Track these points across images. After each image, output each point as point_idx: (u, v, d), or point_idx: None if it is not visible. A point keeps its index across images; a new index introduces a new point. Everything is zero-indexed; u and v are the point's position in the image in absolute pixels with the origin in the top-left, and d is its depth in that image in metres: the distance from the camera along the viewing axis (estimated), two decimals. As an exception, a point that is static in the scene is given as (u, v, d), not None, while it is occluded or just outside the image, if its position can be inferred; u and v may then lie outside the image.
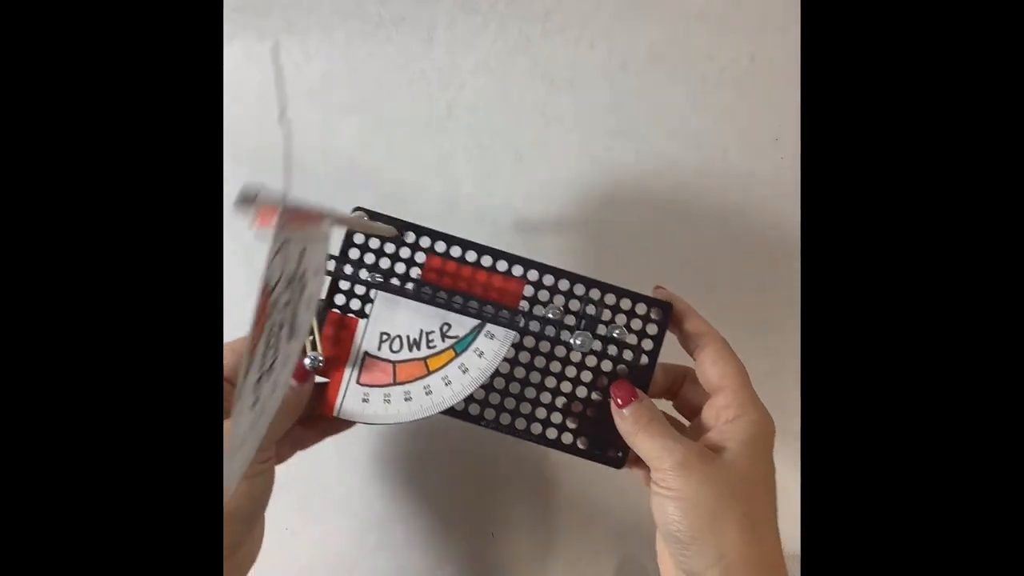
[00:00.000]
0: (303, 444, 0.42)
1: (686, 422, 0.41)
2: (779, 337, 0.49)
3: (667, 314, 0.39)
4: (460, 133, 0.46)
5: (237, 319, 0.47)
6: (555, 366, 0.40)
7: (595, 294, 0.39)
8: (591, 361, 0.40)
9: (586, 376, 0.40)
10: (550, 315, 0.38)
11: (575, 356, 0.40)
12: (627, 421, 0.36)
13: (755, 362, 0.50)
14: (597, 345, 0.39)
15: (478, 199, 0.47)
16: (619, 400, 0.37)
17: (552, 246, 0.48)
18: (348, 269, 0.40)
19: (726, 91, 0.44)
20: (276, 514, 0.52)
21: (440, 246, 0.39)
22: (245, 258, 0.51)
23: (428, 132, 0.46)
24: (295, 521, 0.52)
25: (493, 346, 0.39)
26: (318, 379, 0.39)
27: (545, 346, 0.40)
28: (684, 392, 0.41)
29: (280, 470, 0.53)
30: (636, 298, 0.39)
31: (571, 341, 0.38)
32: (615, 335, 0.39)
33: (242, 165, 0.48)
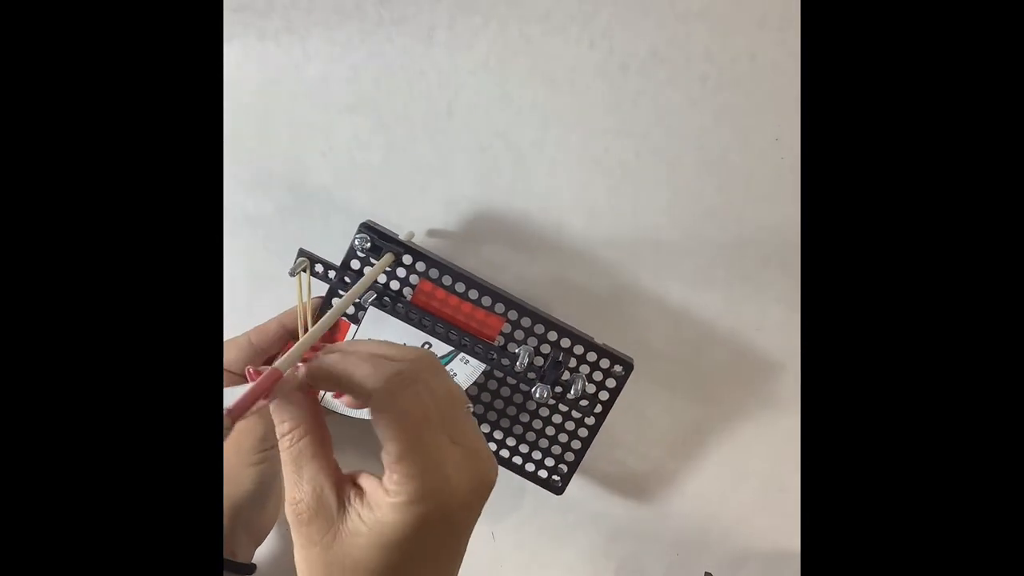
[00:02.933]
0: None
1: None
2: (779, 337, 0.49)
3: (628, 371, 0.43)
4: (460, 133, 0.46)
5: (237, 320, 0.47)
6: (517, 398, 0.45)
7: (565, 343, 0.43)
8: (549, 402, 0.45)
9: (543, 412, 0.45)
10: (517, 365, 0.42)
11: (536, 403, 0.45)
12: (277, 423, 0.29)
13: (755, 362, 0.51)
14: (552, 399, 0.44)
15: (478, 199, 0.47)
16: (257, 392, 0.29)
17: (552, 246, 0.48)
18: (348, 278, 0.42)
19: (726, 91, 0.44)
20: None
21: (433, 272, 0.42)
22: (246, 257, 0.51)
23: (428, 132, 0.46)
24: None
25: (466, 371, 0.43)
26: None
27: (511, 382, 0.45)
28: None
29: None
30: (602, 352, 0.43)
31: (532, 392, 0.43)
32: (575, 388, 0.43)
33: (242, 165, 0.48)
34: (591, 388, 0.44)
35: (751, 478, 0.53)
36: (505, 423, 0.46)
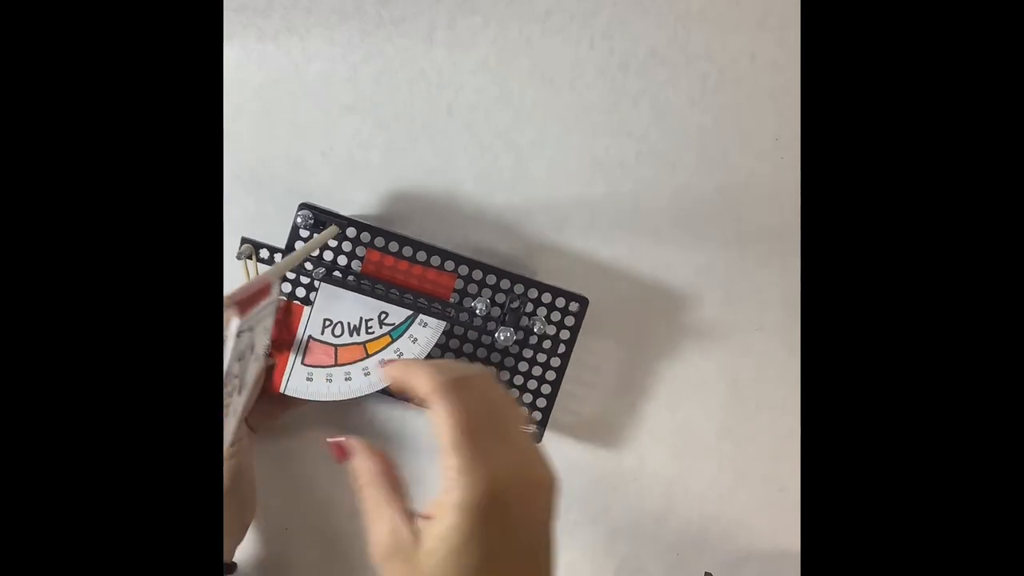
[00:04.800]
0: (270, 417, 0.47)
1: None
2: (779, 337, 0.49)
3: (583, 307, 0.44)
4: (460, 133, 0.46)
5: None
6: (481, 352, 0.46)
7: (519, 288, 0.44)
8: (513, 350, 0.45)
9: (508, 363, 0.46)
10: (477, 310, 0.43)
11: (499, 348, 0.45)
12: (353, 479, 0.32)
13: (755, 362, 0.51)
14: (519, 336, 0.44)
15: (478, 199, 0.47)
16: (336, 456, 0.33)
17: (552, 246, 0.48)
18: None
19: (726, 91, 0.44)
20: (276, 514, 0.53)
21: (379, 241, 0.43)
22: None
23: (428, 132, 0.46)
24: (295, 521, 0.52)
25: (426, 334, 0.43)
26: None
27: (473, 335, 0.45)
28: None
29: (279, 471, 0.53)
30: (555, 292, 0.44)
31: (496, 336, 0.43)
32: (535, 329, 0.44)
33: (242, 165, 0.48)
34: (551, 329, 0.45)
35: (751, 478, 0.53)
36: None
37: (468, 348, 0.46)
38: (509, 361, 0.46)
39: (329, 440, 0.33)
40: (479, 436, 0.29)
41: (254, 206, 0.48)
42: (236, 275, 0.45)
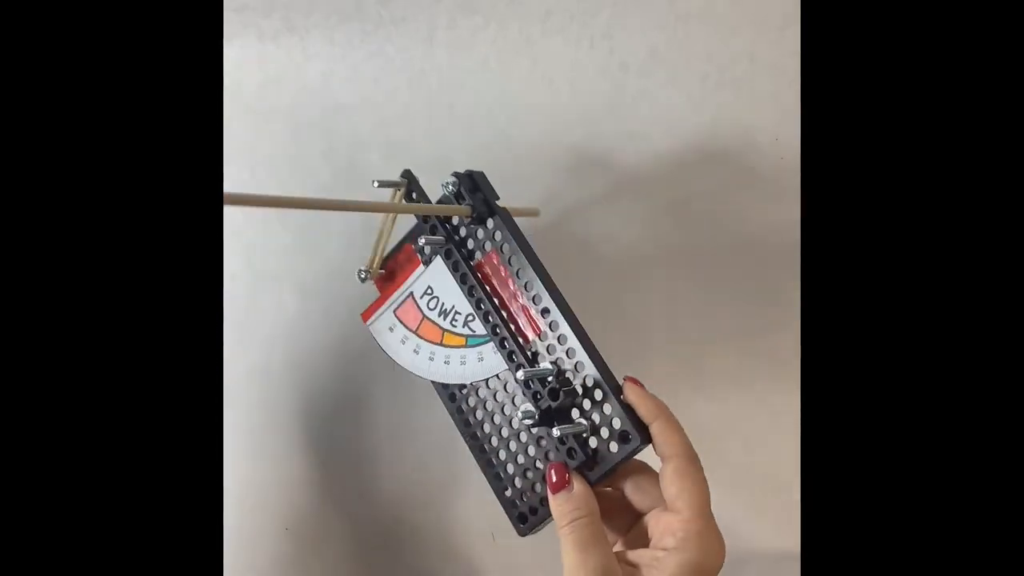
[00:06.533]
0: None
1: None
2: (779, 338, 0.49)
3: (633, 447, 0.35)
4: (460, 133, 0.46)
5: (236, 319, 0.47)
6: (508, 408, 0.40)
7: (589, 380, 0.37)
8: (523, 422, 0.38)
9: (522, 436, 0.39)
10: (537, 371, 0.37)
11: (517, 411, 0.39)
12: (555, 508, 0.34)
13: (755, 363, 0.51)
14: (556, 432, 0.36)
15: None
16: (551, 480, 0.35)
17: (552, 246, 0.48)
18: (432, 220, 0.41)
19: (726, 91, 0.44)
20: (276, 514, 0.53)
21: (507, 248, 0.39)
22: (245, 258, 0.51)
23: (428, 132, 0.46)
24: (295, 521, 0.52)
25: (493, 361, 0.40)
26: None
27: (510, 386, 0.40)
28: (629, 486, 0.37)
29: (279, 470, 0.53)
30: (623, 410, 0.36)
31: (518, 408, 0.38)
32: (583, 434, 0.36)
33: (242, 165, 0.48)
34: (593, 442, 0.37)
35: (751, 478, 0.53)
36: (490, 427, 0.41)
37: (520, 400, 0.39)
38: (523, 435, 0.39)
39: (551, 464, 0.35)
40: (709, 510, 0.33)
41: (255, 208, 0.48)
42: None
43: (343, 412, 0.50)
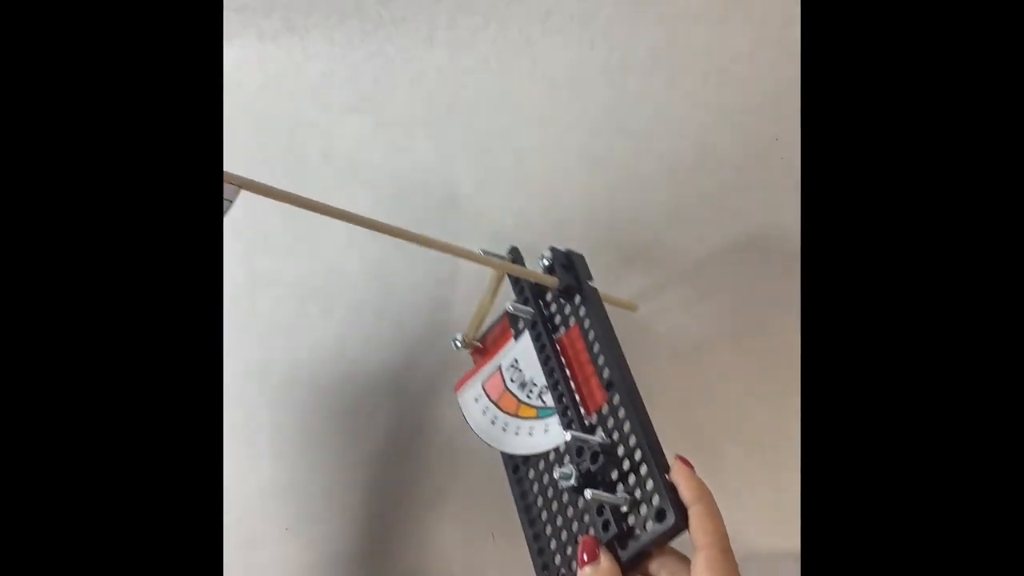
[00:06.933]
0: None
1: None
2: (779, 337, 0.49)
3: (671, 529, 0.35)
4: (460, 133, 0.46)
5: (236, 319, 0.47)
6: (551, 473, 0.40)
7: (638, 453, 0.37)
8: (560, 483, 0.37)
9: (563, 497, 0.39)
10: (590, 441, 0.37)
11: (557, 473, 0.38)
12: None
13: (754, 362, 0.50)
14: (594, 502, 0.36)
15: (478, 199, 0.47)
16: (580, 554, 0.35)
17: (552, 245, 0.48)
18: (526, 294, 0.42)
19: (726, 91, 0.44)
20: (276, 514, 0.53)
21: (586, 323, 0.40)
22: (245, 257, 0.51)
23: (428, 132, 0.46)
24: (295, 521, 0.52)
25: (557, 434, 0.39)
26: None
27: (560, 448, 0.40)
28: (656, 566, 0.36)
29: (279, 470, 0.53)
30: (665, 488, 0.35)
31: (562, 470, 0.37)
32: (620, 507, 0.36)
33: (242, 166, 0.48)
34: (630, 520, 0.36)
35: (751, 478, 0.53)
36: (543, 501, 0.41)
37: (552, 459, 0.40)
38: (564, 496, 0.39)
39: (583, 539, 0.35)
40: None
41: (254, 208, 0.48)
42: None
43: (343, 412, 0.50)
